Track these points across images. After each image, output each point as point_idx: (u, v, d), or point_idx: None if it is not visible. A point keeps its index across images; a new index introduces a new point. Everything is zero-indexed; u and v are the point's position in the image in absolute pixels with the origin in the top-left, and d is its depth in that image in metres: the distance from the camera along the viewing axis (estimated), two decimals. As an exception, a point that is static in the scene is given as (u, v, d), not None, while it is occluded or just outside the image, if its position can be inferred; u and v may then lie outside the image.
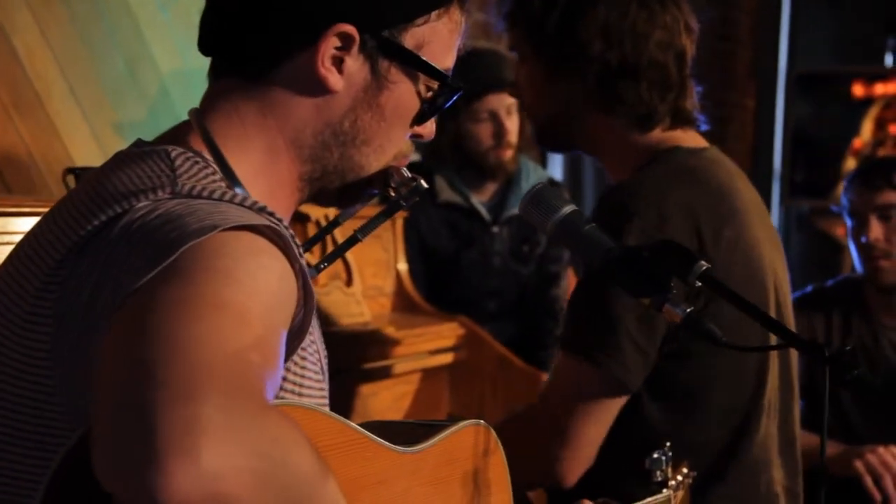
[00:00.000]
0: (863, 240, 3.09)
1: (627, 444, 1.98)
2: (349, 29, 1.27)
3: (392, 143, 1.35)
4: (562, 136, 2.14)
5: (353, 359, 2.47)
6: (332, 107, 1.30)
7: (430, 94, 1.35)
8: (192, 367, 0.93)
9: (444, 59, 1.34)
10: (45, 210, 1.93)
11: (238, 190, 1.24)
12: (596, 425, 1.96)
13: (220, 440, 0.90)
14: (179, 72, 2.74)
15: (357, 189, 1.38)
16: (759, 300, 2.02)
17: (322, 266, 1.45)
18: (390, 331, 2.59)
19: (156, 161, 1.21)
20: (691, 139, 2.10)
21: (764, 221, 2.11)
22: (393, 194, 1.40)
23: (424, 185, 1.40)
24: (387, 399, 2.63)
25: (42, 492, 1.05)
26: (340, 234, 2.49)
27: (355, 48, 1.28)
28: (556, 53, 2.03)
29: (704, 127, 2.14)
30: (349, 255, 2.58)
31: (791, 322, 2.18)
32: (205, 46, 1.34)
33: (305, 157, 1.32)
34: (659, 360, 1.95)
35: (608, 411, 1.96)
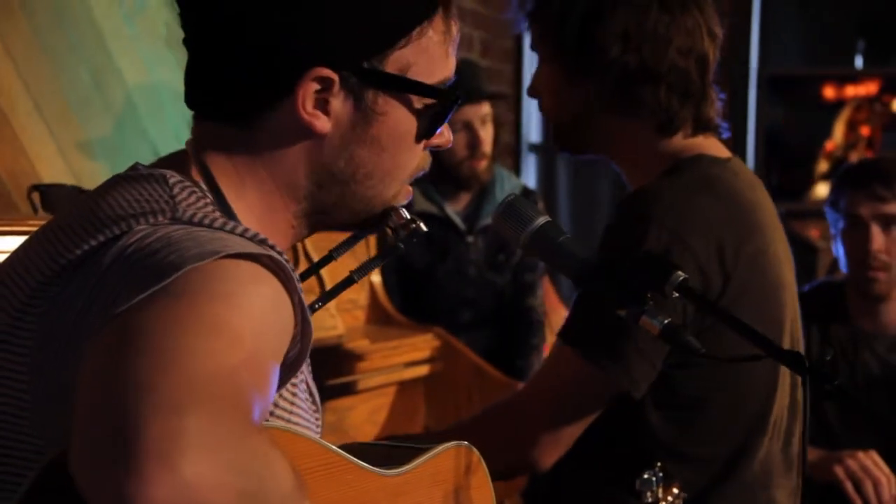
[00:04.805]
0: (864, 248, 3.03)
1: (629, 451, 1.95)
2: (325, 71, 1.24)
3: (402, 168, 1.32)
4: (580, 139, 2.09)
5: (328, 373, 2.45)
6: (323, 149, 1.27)
7: (428, 109, 1.31)
8: (180, 379, 0.93)
9: (438, 72, 1.31)
10: (12, 228, 1.92)
11: None
12: (584, 421, 1.94)
13: (201, 452, 0.90)
14: (146, 85, 2.70)
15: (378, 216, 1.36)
16: (775, 317, 1.99)
17: (317, 306, 1.44)
18: (365, 344, 2.57)
19: (153, 186, 1.20)
20: (714, 147, 2.05)
21: (781, 236, 2.07)
22: (390, 233, 1.38)
23: (424, 228, 1.38)
24: (363, 412, 2.61)
25: None
26: (314, 251, 2.46)
27: (336, 87, 1.25)
28: (575, 56, 1.98)
29: (727, 134, 2.09)
30: (323, 274, 2.55)
31: (800, 339, 2.13)
32: (190, 100, 1.32)
33: (301, 196, 1.30)
34: (664, 368, 1.91)
35: (599, 409, 1.94)
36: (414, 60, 1.28)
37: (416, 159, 1.33)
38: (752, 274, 1.93)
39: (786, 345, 1.98)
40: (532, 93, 2.11)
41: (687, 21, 1.97)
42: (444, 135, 1.35)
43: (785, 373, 2.01)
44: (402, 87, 1.28)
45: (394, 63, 1.27)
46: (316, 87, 1.24)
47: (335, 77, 1.24)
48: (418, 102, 1.30)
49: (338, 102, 1.26)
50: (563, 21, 1.97)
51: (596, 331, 1.89)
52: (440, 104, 1.31)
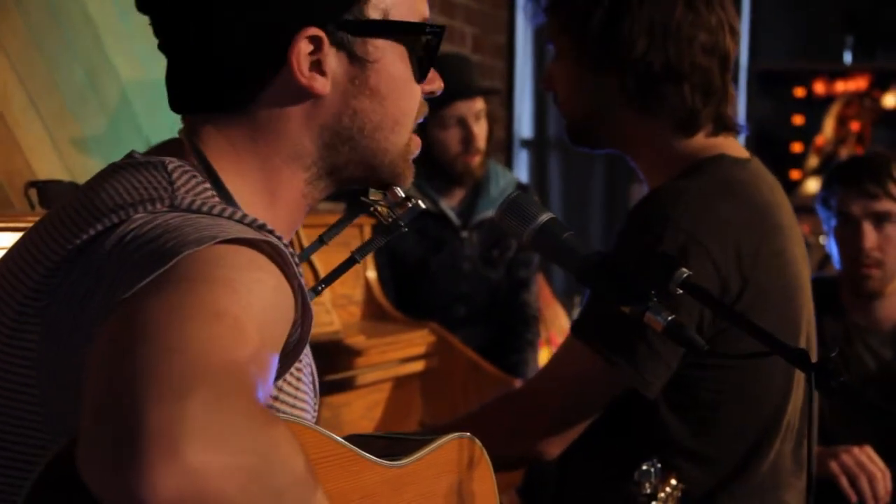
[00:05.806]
0: (857, 246, 3.03)
1: (640, 447, 1.94)
2: (312, 31, 1.24)
3: (407, 113, 1.33)
4: (596, 134, 2.06)
5: (324, 369, 2.43)
6: (324, 109, 1.28)
7: (415, 49, 1.32)
8: (184, 366, 0.92)
9: (418, 10, 1.32)
10: (8, 225, 1.92)
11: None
12: (591, 414, 1.94)
13: (206, 437, 0.88)
14: (141, 81, 2.70)
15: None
16: (792, 319, 1.98)
17: (320, 288, 1.44)
18: (360, 339, 2.56)
19: (152, 173, 1.20)
20: (734, 147, 2.03)
21: (798, 237, 2.05)
22: (384, 211, 1.39)
23: (421, 205, 1.39)
24: (359, 408, 2.61)
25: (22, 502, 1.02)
26: (307, 239, 2.46)
27: (326, 44, 1.25)
28: (597, 50, 1.96)
29: (745, 133, 2.08)
30: (317, 263, 2.55)
31: (814, 340, 2.13)
32: (179, 104, 1.31)
33: (308, 163, 1.30)
34: (679, 368, 1.90)
35: (607, 404, 1.94)
36: (392, 2, 1.29)
37: (417, 103, 1.34)
38: (769, 276, 1.92)
39: (801, 346, 1.96)
40: (548, 86, 2.09)
41: (712, 18, 1.95)
42: (434, 81, 1.36)
43: (800, 375, 2.00)
44: (388, 30, 1.28)
45: (374, 10, 1.27)
46: (308, 48, 1.24)
47: (323, 34, 1.24)
48: (406, 43, 1.30)
49: (332, 59, 1.26)
50: (587, 15, 1.95)
51: (608, 327, 1.88)
52: (426, 42, 1.31)
